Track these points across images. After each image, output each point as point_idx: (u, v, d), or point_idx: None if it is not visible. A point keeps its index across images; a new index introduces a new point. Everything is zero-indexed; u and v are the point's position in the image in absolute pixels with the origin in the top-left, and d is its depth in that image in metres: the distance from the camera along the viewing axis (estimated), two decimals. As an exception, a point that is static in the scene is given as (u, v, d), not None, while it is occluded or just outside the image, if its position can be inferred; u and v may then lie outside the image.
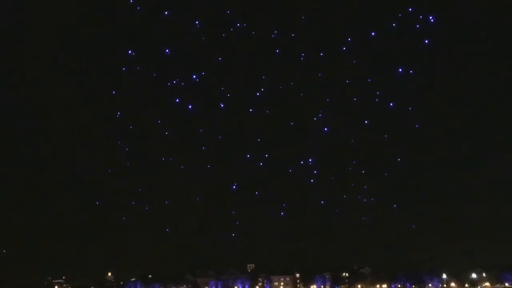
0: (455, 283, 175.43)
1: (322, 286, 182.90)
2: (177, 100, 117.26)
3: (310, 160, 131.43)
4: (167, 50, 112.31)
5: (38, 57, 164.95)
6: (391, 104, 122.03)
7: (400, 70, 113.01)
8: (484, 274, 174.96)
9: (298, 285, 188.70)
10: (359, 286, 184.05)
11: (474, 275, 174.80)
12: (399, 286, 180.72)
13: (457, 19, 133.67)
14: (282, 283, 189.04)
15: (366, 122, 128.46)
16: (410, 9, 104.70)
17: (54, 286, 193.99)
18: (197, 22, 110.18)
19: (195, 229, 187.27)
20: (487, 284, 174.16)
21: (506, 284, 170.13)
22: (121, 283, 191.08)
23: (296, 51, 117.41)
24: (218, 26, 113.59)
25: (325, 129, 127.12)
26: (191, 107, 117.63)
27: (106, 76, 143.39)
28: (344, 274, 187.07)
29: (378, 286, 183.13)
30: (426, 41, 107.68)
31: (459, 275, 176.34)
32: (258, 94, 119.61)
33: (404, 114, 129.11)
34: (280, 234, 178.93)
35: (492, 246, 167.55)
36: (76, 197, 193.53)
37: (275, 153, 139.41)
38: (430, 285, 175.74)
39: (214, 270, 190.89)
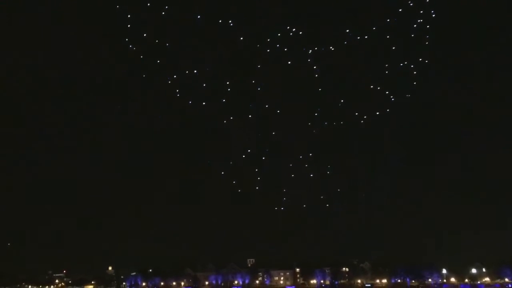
0: (455, 278, 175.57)
1: (322, 281, 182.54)
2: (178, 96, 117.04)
3: (309, 155, 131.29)
4: (167, 45, 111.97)
5: (37, 55, 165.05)
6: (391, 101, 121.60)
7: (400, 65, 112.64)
8: (484, 269, 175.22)
9: (298, 280, 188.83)
10: (359, 281, 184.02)
11: (474, 270, 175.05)
12: (399, 281, 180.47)
13: (458, 15, 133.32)
14: (282, 278, 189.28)
15: (363, 121, 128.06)
16: (410, 4, 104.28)
17: (55, 280, 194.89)
18: (198, 17, 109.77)
19: (195, 225, 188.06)
20: (487, 279, 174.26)
21: (506, 279, 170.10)
22: (122, 277, 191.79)
23: (296, 48, 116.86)
24: (219, 22, 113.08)
25: (325, 123, 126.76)
26: (191, 102, 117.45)
27: (106, 73, 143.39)
28: (344, 269, 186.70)
29: (378, 281, 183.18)
30: (427, 36, 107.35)
31: (459, 270, 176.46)
32: (258, 89, 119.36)
33: (404, 113, 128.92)
34: (280, 229, 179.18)
35: (491, 242, 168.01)
36: (77, 193, 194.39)
37: (275, 149, 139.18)
38: (430, 280, 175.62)
39: (214, 265, 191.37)
